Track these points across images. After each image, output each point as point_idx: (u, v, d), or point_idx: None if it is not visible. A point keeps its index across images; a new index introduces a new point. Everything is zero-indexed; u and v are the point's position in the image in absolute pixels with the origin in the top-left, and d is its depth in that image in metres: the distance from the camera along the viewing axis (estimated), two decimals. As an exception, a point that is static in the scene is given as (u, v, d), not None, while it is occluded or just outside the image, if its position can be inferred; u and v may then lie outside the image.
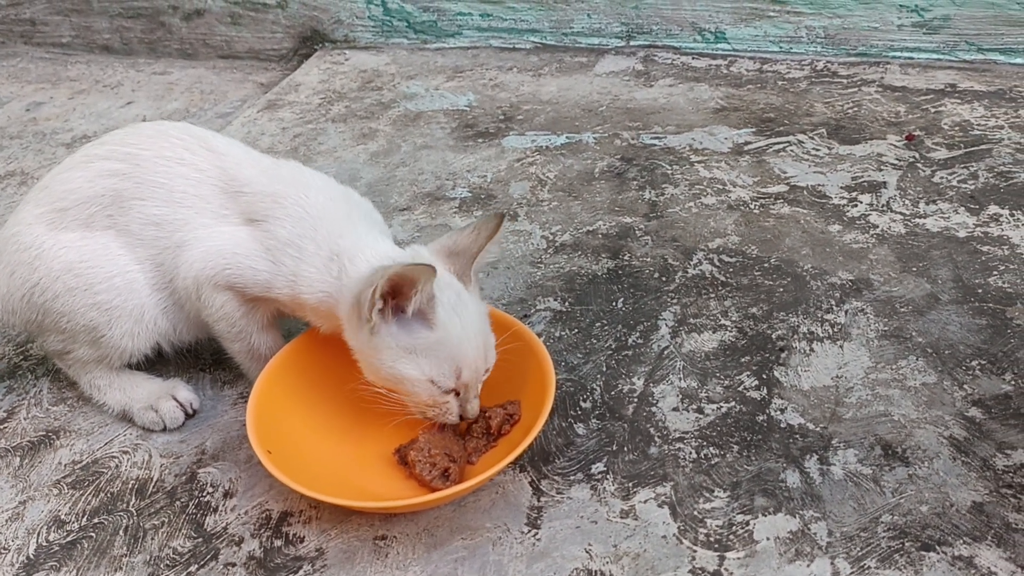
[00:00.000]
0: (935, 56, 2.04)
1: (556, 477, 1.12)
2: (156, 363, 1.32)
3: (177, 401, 1.26)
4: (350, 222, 1.14)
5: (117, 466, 1.21)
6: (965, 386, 1.19)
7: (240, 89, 2.40)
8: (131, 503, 1.15)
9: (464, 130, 1.96)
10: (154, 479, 1.18)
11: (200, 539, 1.09)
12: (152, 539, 1.10)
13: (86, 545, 1.10)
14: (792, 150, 1.76)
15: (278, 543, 1.08)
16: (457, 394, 1.08)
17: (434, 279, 1.01)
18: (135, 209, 1.17)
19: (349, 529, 1.08)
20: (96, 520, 1.13)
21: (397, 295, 1.02)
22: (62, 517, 1.14)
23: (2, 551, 1.10)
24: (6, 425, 1.29)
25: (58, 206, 1.19)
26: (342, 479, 1.11)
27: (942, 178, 1.62)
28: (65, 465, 1.22)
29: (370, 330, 1.04)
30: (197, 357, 1.37)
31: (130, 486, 1.17)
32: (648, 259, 1.49)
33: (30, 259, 1.19)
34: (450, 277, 1.09)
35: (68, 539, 1.11)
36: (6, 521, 1.14)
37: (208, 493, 1.15)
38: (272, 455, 1.05)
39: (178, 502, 1.14)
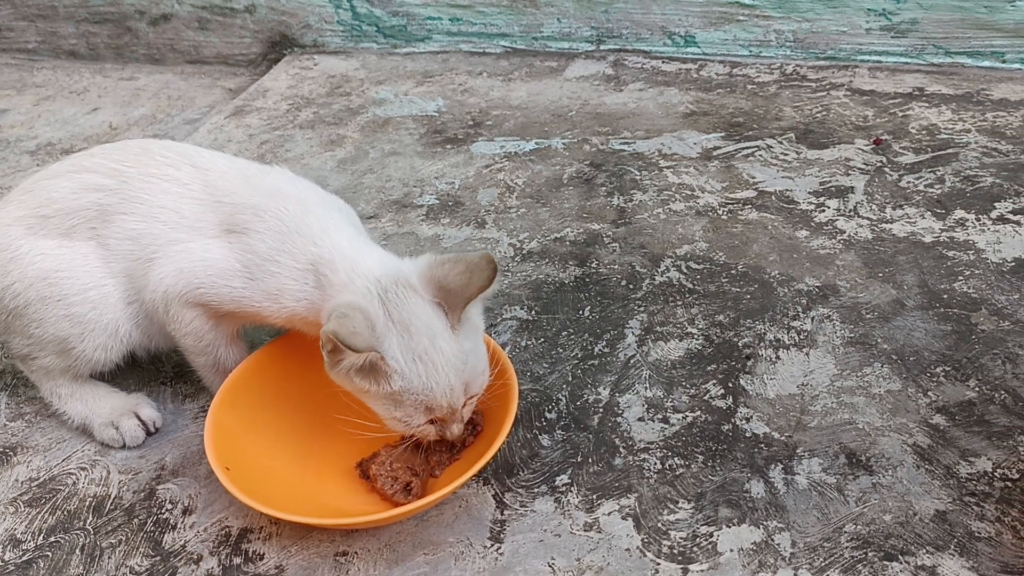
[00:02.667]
0: (903, 59, 2.04)
1: (520, 490, 1.11)
2: (118, 373, 1.29)
3: (139, 419, 1.24)
4: (325, 230, 1.11)
5: (75, 483, 1.19)
6: (929, 393, 1.19)
7: (208, 95, 2.38)
8: (88, 521, 1.13)
9: (433, 136, 1.95)
10: (112, 496, 1.16)
11: (158, 557, 1.07)
12: (109, 558, 1.08)
13: (42, 564, 1.08)
14: (761, 155, 1.75)
15: (237, 560, 1.06)
16: (433, 421, 1.05)
17: (371, 357, 0.98)
18: (116, 224, 1.15)
19: (310, 545, 1.07)
20: (52, 539, 1.11)
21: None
22: (18, 536, 1.12)
23: (-45, 572, 1.08)
24: (-38, 442, 1.27)
25: (40, 212, 1.18)
26: (303, 494, 1.10)
27: (909, 183, 1.62)
28: (22, 482, 1.20)
29: (329, 367, 1.02)
30: (158, 370, 1.35)
31: (87, 503, 1.15)
32: (616, 266, 1.48)
33: (4, 261, 1.17)
34: (431, 315, 1.03)
35: (24, 558, 1.09)
36: (-40, 541, 1.12)
37: (167, 510, 1.13)
38: (231, 471, 1.03)
39: (136, 519, 1.13)
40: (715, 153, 1.77)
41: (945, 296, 1.34)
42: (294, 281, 1.09)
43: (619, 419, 1.20)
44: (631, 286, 1.43)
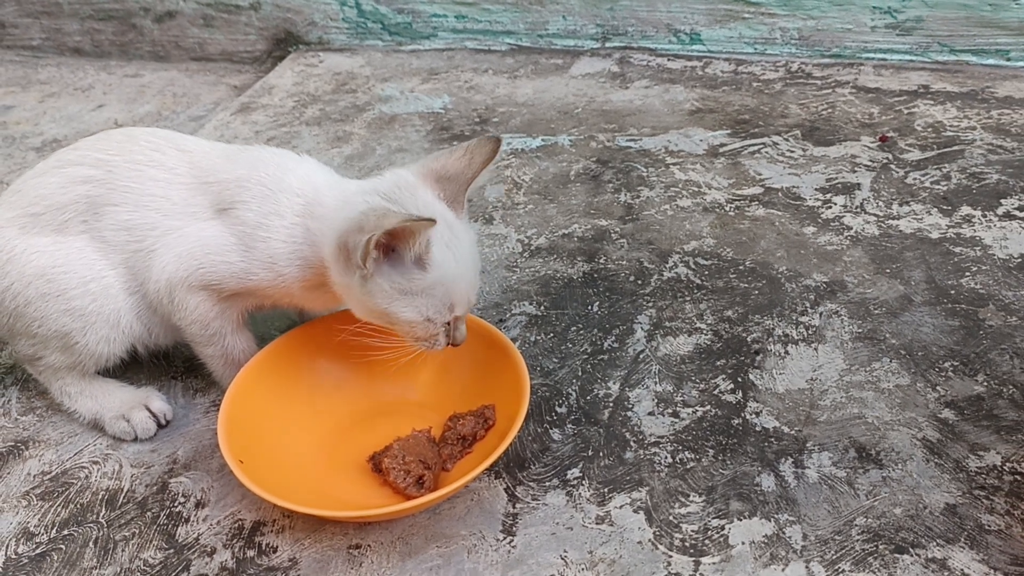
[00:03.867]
0: (908, 57, 2.05)
1: (532, 483, 1.12)
2: (128, 370, 1.30)
3: (150, 411, 1.24)
4: (304, 179, 1.13)
5: (87, 477, 1.19)
6: (938, 387, 1.19)
7: (213, 92, 2.38)
8: (101, 514, 1.13)
9: (439, 133, 1.95)
10: (125, 489, 1.17)
11: (171, 550, 1.08)
12: (122, 551, 1.08)
13: (55, 557, 1.09)
14: (767, 152, 1.76)
15: (251, 553, 1.06)
16: (447, 323, 1.08)
17: (431, 230, 0.99)
18: (109, 215, 1.16)
19: (323, 538, 1.07)
20: (66, 532, 1.12)
21: (392, 241, 1.00)
22: (31, 529, 1.13)
23: (-31, 565, 1.08)
24: (-26, 436, 1.27)
25: (31, 211, 1.18)
26: (316, 487, 1.10)
27: (915, 179, 1.62)
28: (34, 476, 1.20)
29: (362, 276, 1.02)
30: (169, 364, 1.35)
31: (100, 497, 1.16)
32: (624, 262, 1.49)
33: (1, 263, 1.17)
34: (442, 207, 1.06)
35: (37, 551, 1.10)
36: (-27, 534, 1.13)
37: (180, 503, 1.14)
38: (244, 464, 1.04)
39: (149, 513, 1.13)
40: (721, 150, 1.78)
41: (952, 292, 1.35)
42: (284, 243, 1.10)
43: (629, 413, 1.20)
44: (639, 282, 1.44)
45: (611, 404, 1.22)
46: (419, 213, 1.02)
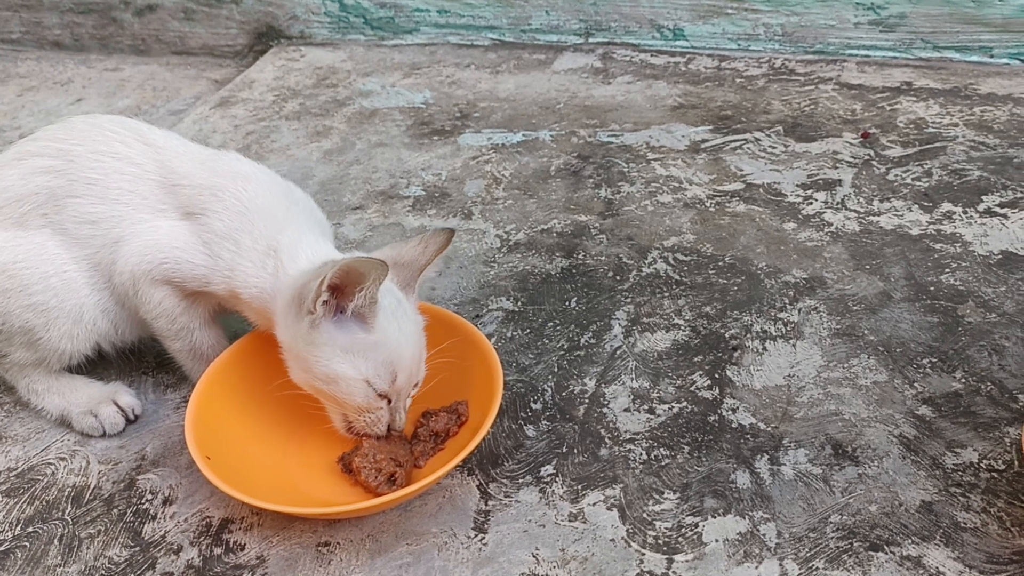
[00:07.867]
0: (891, 54, 2.04)
1: (504, 480, 1.10)
2: (98, 366, 1.28)
3: (118, 406, 1.22)
4: (289, 218, 1.12)
5: (53, 473, 1.17)
6: (916, 384, 1.18)
7: (193, 86, 2.36)
8: (67, 511, 1.11)
9: (420, 128, 1.93)
10: (91, 486, 1.15)
11: (137, 548, 1.06)
12: (87, 548, 1.06)
13: (19, 555, 1.07)
14: (749, 148, 1.75)
15: (218, 551, 1.05)
16: (389, 401, 1.06)
17: (384, 279, 0.99)
18: (70, 207, 1.14)
19: (292, 536, 1.06)
20: (30, 529, 1.10)
21: (341, 292, 1.00)
22: (-5, 526, 1.11)
23: (-70, 563, 1.06)
24: (-61, 432, 1.25)
25: None
26: (285, 484, 1.09)
27: (896, 176, 1.62)
28: (0, 472, 1.18)
29: (310, 323, 1.01)
30: (140, 360, 1.33)
31: (66, 494, 1.14)
32: (603, 258, 1.47)
33: None
34: (391, 285, 1.07)
35: (1, 548, 1.07)
36: (-64, 531, 1.10)
37: (147, 500, 1.12)
38: (211, 460, 1.02)
39: (115, 510, 1.11)
40: (703, 146, 1.77)
41: (932, 288, 1.34)
42: (251, 263, 1.09)
43: (605, 410, 1.19)
44: (618, 277, 1.43)
45: (587, 400, 1.20)
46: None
